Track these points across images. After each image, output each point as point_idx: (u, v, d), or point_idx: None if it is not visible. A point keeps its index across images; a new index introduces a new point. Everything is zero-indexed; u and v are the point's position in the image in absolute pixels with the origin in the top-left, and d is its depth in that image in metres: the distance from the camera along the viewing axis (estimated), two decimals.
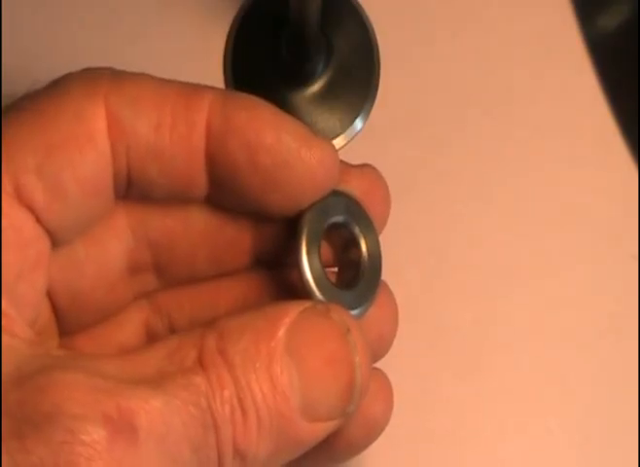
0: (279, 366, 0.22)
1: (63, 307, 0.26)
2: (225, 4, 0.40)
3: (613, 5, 0.40)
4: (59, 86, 0.24)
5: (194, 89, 0.25)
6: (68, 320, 0.26)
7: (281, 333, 0.23)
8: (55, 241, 0.24)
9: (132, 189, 0.25)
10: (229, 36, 0.40)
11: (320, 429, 0.23)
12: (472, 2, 0.40)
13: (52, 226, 0.24)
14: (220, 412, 0.21)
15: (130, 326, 0.28)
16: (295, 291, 0.27)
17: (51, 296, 0.25)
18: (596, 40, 0.39)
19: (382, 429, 0.27)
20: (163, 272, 0.27)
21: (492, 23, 0.40)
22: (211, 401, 0.21)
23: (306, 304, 0.24)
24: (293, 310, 0.23)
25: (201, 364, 0.22)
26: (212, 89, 0.25)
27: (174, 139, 0.24)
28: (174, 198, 0.26)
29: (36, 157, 0.23)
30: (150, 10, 0.39)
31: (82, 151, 0.24)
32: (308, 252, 0.25)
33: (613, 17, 0.40)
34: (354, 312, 0.26)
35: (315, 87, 0.39)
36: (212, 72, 0.39)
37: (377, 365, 0.27)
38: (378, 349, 0.27)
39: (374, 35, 0.40)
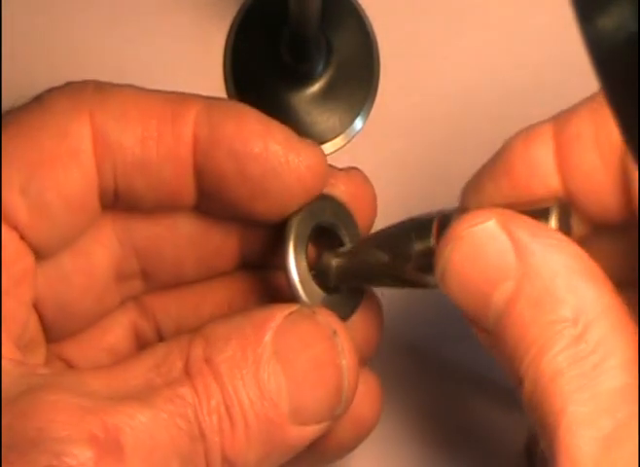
0: (266, 372, 0.22)
1: (51, 317, 0.26)
2: (225, 4, 0.40)
3: (613, 5, 0.40)
4: (43, 102, 0.24)
5: (179, 100, 0.25)
6: (56, 329, 0.26)
7: (268, 338, 0.23)
8: (41, 256, 0.24)
9: (119, 201, 0.25)
10: (229, 36, 0.40)
11: (309, 433, 0.24)
12: (472, 2, 0.40)
13: (36, 242, 0.24)
14: (207, 422, 0.21)
15: (118, 329, 0.28)
16: (281, 293, 0.27)
17: (38, 307, 0.25)
18: (596, 40, 0.39)
19: (371, 429, 0.27)
20: (151, 278, 0.27)
21: (492, 23, 0.40)
22: (198, 411, 0.21)
23: (292, 307, 0.24)
24: (279, 314, 0.24)
25: (188, 373, 0.22)
26: (198, 98, 0.25)
27: (161, 152, 0.24)
28: (161, 208, 0.26)
29: (20, 175, 0.23)
30: (150, 10, 0.39)
31: (66, 169, 0.24)
32: (295, 255, 0.25)
33: (613, 17, 0.39)
34: (340, 315, 0.26)
35: (315, 87, 0.39)
36: (212, 72, 0.39)
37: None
38: (365, 352, 0.27)
39: (374, 35, 0.40)
